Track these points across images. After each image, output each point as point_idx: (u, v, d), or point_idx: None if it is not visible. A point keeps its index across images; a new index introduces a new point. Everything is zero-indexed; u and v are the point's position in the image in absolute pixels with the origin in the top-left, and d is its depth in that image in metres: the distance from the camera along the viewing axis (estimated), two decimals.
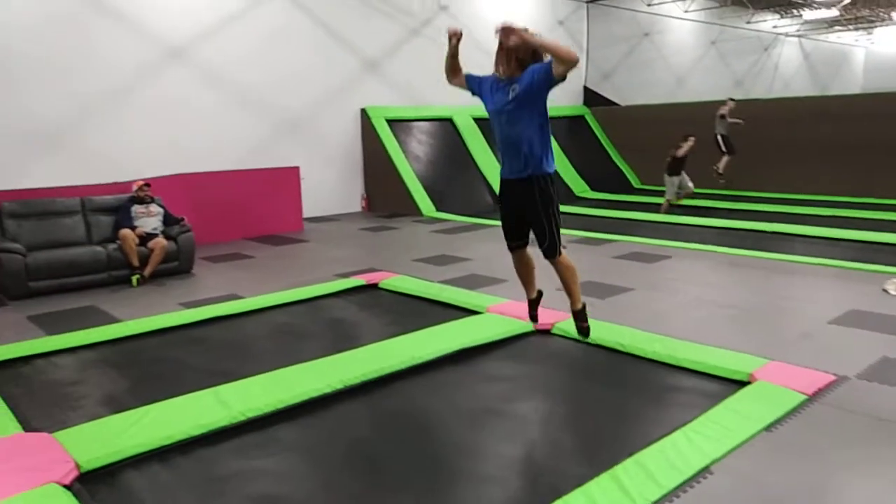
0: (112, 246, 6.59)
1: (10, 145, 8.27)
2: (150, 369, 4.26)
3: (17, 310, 5.65)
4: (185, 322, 5.03)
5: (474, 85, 3.66)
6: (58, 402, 3.75)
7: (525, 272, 3.94)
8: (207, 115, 10.05)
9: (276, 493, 2.74)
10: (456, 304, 5.31)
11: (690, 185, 11.04)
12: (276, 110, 10.85)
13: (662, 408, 3.53)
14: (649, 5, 17.74)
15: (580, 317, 3.81)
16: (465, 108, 13.46)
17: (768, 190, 12.66)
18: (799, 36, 25.19)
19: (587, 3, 16.22)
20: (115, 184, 7.64)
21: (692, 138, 10.76)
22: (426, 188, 11.73)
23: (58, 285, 6.16)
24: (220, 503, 2.69)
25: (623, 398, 3.64)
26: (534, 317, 4.12)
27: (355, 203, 12.15)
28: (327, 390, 3.64)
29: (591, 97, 16.24)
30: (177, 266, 6.84)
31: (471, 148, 12.97)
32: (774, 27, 23.42)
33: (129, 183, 7.47)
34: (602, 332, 4.42)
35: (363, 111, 11.92)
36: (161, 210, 7.10)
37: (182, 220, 7.10)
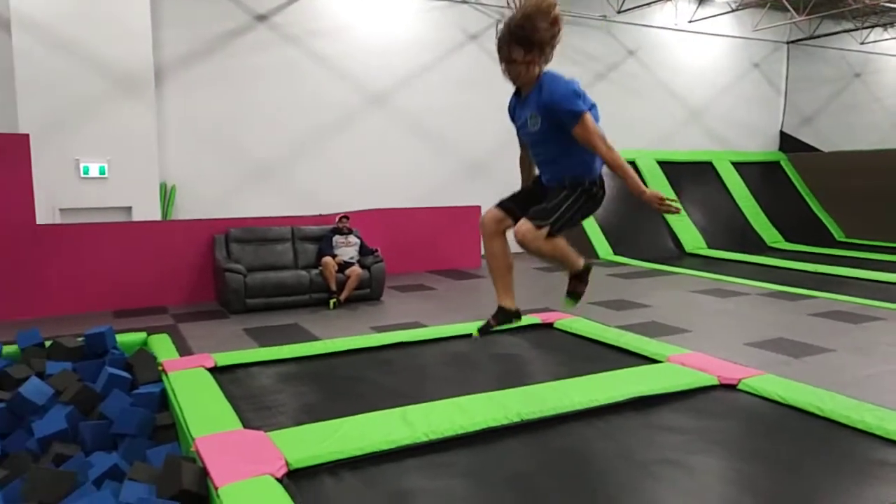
0: (314, 271, 7.33)
1: (235, 179, 9.56)
2: (343, 385, 4.67)
3: (236, 322, 6.47)
4: (375, 345, 5.45)
5: (511, 115, 3.49)
6: (268, 405, 4.25)
7: (499, 259, 3.56)
8: (400, 155, 10.87)
9: None
10: (634, 350, 5.22)
11: None
12: (461, 151, 11.45)
13: (867, 482, 3.22)
14: (863, 43, 16.30)
15: (578, 281, 3.53)
16: (649, 151, 13.25)
17: None
18: None
19: (787, 43, 15.29)
20: (320, 216, 8.51)
21: None
22: (604, 230, 11.62)
23: (268, 303, 6.97)
24: None
25: (817, 466, 3.37)
26: (485, 329, 3.70)
27: None
28: (504, 422, 3.77)
29: (789, 142, 15.18)
30: (368, 293, 7.43)
31: None
32: None
33: (332, 215, 8.28)
34: (796, 392, 4.12)
35: None
36: (358, 241, 7.77)
37: (376, 251, 7.72)
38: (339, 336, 5.80)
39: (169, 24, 9.24)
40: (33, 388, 4.23)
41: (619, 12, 12.55)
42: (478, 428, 3.68)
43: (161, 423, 4.20)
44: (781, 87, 15.37)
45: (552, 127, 3.17)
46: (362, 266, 7.47)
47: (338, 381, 4.74)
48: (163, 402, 4.43)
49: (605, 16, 12.62)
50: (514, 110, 3.46)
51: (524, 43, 2.99)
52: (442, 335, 5.80)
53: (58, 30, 8.09)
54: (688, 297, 7.84)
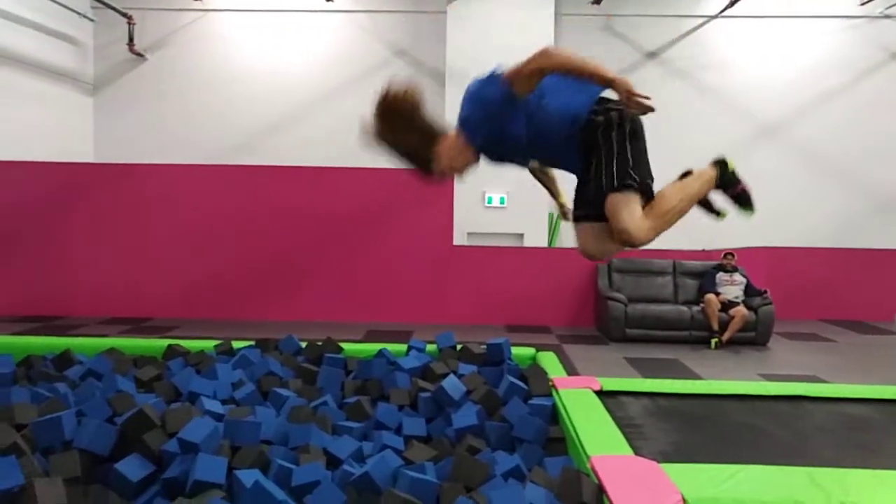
0: (695, 308, 7.15)
1: None
2: (731, 430, 4.43)
3: (616, 350, 6.67)
4: (767, 393, 5.05)
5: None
6: (653, 436, 4.27)
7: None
8: (794, 189, 9.97)
9: None
10: None
11: None
12: (871, 186, 9.96)
13: None
14: None
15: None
16: None
17: None
18: None
19: None
20: (703, 251, 8.27)
21: None
22: None
23: (646, 335, 7.02)
24: None
25: None
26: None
27: None
28: None
29: None
30: (753, 337, 6.96)
31: None
32: None
33: (716, 251, 7.97)
34: None
35: None
36: (744, 280, 7.34)
37: (764, 292, 7.19)
38: (722, 378, 5.54)
39: None
40: (451, 384, 4.97)
41: None
42: None
43: (552, 435, 4.57)
44: None
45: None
46: (748, 307, 7.01)
47: (725, 425, 4.52)
48: (553, 415, 4.80)
49: None
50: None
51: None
52: (847, 395, 5.09)
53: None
54: None
